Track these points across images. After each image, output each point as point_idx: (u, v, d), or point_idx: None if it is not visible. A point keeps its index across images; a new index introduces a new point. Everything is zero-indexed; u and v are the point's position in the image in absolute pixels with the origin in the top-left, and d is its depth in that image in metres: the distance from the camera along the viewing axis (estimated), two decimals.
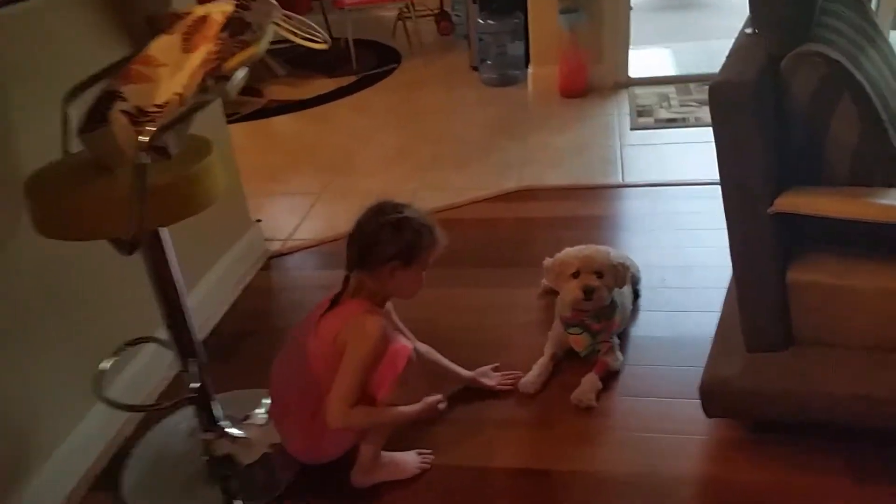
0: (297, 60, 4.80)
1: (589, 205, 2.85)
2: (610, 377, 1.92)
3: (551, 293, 2.15)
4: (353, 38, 4.82)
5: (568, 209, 2.82)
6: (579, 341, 1.95)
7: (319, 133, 3.97)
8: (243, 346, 2.25)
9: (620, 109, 3.72)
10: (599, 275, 1.89)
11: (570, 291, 1.89)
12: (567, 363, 1.99)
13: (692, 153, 3.19)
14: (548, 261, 2.04)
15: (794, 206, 1.46)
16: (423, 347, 1.83)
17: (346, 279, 1.61)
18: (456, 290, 2.39)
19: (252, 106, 4.33)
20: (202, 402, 1.77)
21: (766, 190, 1.49)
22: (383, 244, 1.54)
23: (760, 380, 1.57)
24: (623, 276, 1.94)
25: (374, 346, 1.53)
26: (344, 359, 1.55)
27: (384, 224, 1.54)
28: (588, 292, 1.86)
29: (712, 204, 2.80)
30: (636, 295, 2.21)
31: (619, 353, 1.96)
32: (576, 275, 1.90)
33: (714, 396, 1.62)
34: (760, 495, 1.55)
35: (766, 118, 1.46)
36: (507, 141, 3.51)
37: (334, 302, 1.61)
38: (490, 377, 1.92)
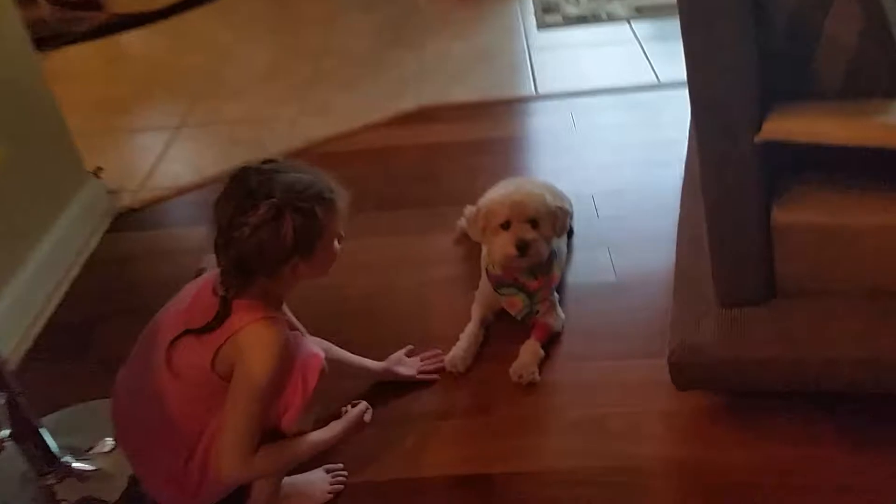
0: None
1: (501, 124, 2.47)
2: (552, 340, 1.60)
3: (470, 238, 1.77)
4: None
5: (477, 131, 2.43)
6: (514, 303, 1.60)
7: (174, 51, 3.32)
8: (93, 338, 1.77)
9: (523, 6, 3.29)
10: (534, 223, 1.53)
11: (501, 247, 1.53)
12: (499, 327, 1.65)
13: (608, 55, 2.85)
14: (469, 210, 1.66)
15: (786, 133, 1.14)
16: (324, 345, 1.40)
17: (223, 300, 1.14)
18: (355, 242, 1.97)
19: (88, 22, 3.58)
20: (27, 439, 1.32)
21: (747, 112, 1.16)
22: (268, 249, 1.10)
23: (741, 346, 1.28)
24: (563, 222, 1.59)
25: (276, 368, 1.12)
26: (234, 389, 1.13)
27: (258, 224, 1.09)
28: (522, 247, 1.51)
29: (637, 114, 2.46)
30: (569, 232, 1.88)
31: (559, 311, 1.64)
32: (505, 225, 1.53)
33: (685, 367, 1.32)
34: (745, 475, 1.29)
35: (745, 22, 1.11)
36: (400, 51, 3.02)
37: (206, 328, 1.14)
38: (406, 365, 1.55)
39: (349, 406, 1.35)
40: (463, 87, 2.69)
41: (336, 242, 1.21)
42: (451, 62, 2.88)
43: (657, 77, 2.60)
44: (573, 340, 1.61)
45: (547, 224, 1.55)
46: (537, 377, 1.50)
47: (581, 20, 3.11)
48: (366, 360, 1.51)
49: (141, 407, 1.21)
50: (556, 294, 1.65)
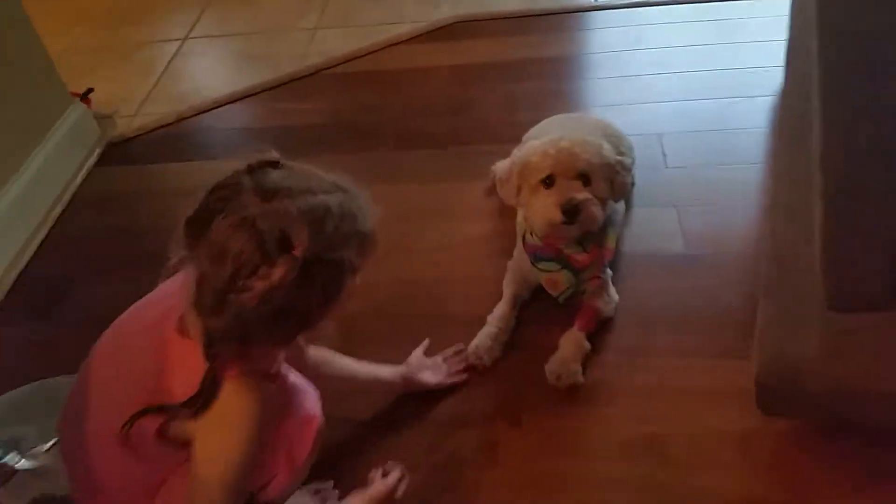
0: None
1: (550, 40, 2.07)
2: (600, 328, 1.29)
3: None
4: None
5: (521, 48, 2.04)
6: (555, 282, 1.29)
7: None
8: (69, 295, 1.54)
9: None
10: (586, 180, 1.20)
11: (542, 211, 1.20)
12: (535, 309, 1.35)
13: None
14: (499, 166, 1.33)
15: None
16: (321, 356, 1.11)
17: (210, 374, 0.81)
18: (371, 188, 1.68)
19: None
20: None
21: None
22: (283, 318, 0.78)
23: (856, 367, 0.96)
24: (623, 179, 1.25)
25: (250, 445, 0.83)
26: (196, 473, 0.85)
27: (274, 287, 0.75)
28: (570, 211, 1.18)
29: (720, 31, 1.92)
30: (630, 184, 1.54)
31: (612, 292, 1.32)
32: (548, 182, 1.20)
33: (778, 391, 1.01)
34: None
35: None
36: None
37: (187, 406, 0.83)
38: (429, 368, 1.24)
39: (378, 472, 1.08)
40: None
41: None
42: None
43: None
44: (627, 330, 1.30)
45: (602, 181, 1.21)
46: (580, 378, 1.21)
47: None
48: (380, 368, 1.20)
49: (92, 449, 0.92)
50: (608, 270, 1.33)
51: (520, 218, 1.34)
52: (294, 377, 0.93)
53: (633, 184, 1.53)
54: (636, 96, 1.80)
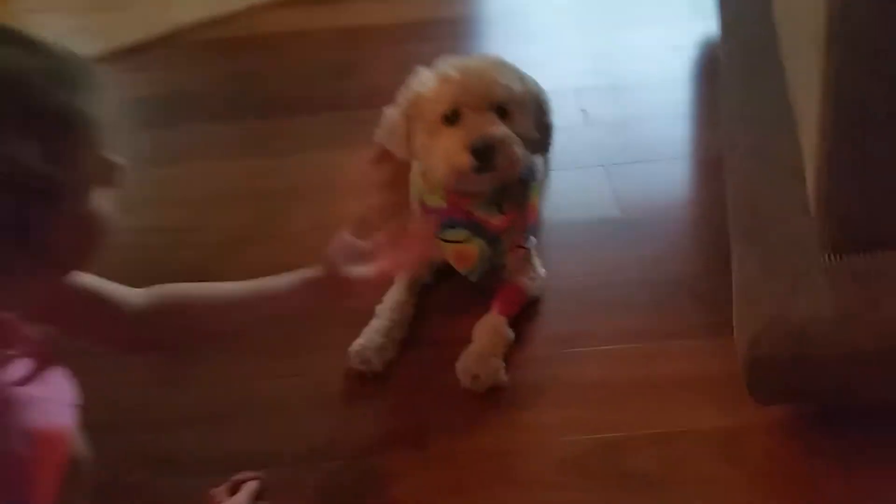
0: None
1: (444, 2, 1.79)
2: (525, 312, 0.99)
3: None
4: None
5: (414, 10, 1.74)
6: (465, 255, 0.98)
7: None
8: None
9: None
10: (503, 112, 0.91)
11: (445, 155, 0.90)
12: (441, 293, 1.03)
13: None
14: (387, 113, 1.01)
15: None
16: (162, 297, 0.75)
17: None
18: (219, 163, 1.33)
19: None
20: None
21: None
22: None
23: (875, 319, 0.70)
24: (548, 118, 0.97)
25: None
26: None
27: None
28: (483, 152, 0.88)
29: None
30: (546, 143, 1.25)
31: (538, 266, 1.02)
32: (452, 118, 0.90)
33: (778, 367, 0.73)
34: None
35: None
36: None
37: None
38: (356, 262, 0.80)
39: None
40: None
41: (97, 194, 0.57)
42: None
43: None
44: (559, 313, 1.00)
45: (524, 116, 0.92)
46: (503, 377, 0.90)
47: None
48: (277, 279, 0.79)
49: None
50: (532, 239, 1.03)
51: (415, 174, 1.02)
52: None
53: (549, 142, 1.26)
54: (546, 54, 1.53)
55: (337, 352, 0.93)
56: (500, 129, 0.89)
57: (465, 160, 0.88)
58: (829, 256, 0.75)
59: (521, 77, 0.95)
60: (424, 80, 0.93)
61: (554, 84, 1.22)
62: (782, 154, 0.88)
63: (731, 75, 1.08)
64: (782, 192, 0.84)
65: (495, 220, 0.96)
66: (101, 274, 0.70)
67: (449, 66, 0.93)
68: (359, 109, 1.40)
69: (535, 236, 1.04)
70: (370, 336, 0.93)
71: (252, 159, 1.34)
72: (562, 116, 1.28)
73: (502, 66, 0.93)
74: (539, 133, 0.97)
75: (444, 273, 1.02)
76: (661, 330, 0.96)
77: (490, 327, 0.93)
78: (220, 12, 1.77)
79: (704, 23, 1.54)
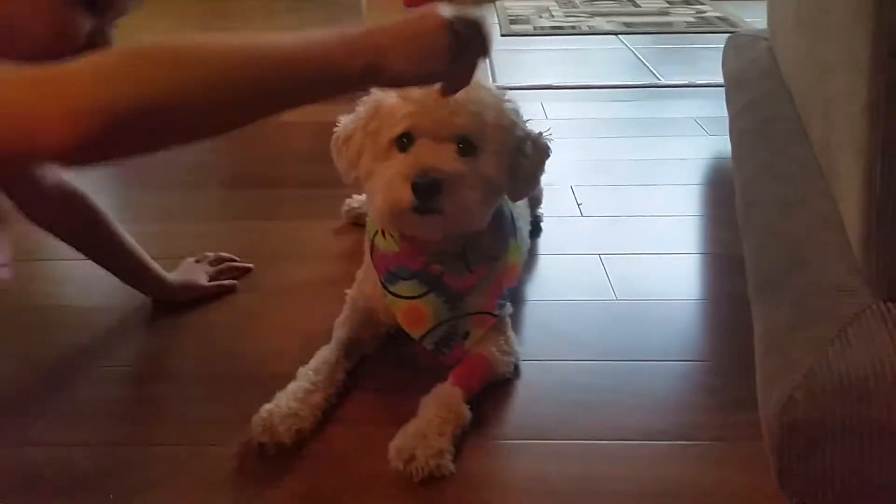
0: None
1: None
2: (489, 388, 0.78)
3: (362, 224, 0.97)
4: None
5: None
6: (417, 313, 0.79)
7: None
8: None
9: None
10: (467, 147, 0.75)
11: (384, 187, 0.74)
12: (386, 360, 0.83)
13: (590, 57, 2.18)
14: (341, 126, 0.87)
15: None
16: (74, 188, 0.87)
17: None
18: (181, 225, 1.19)
19: None
20: None
21: None
22: None
23: None
24: (532, 165, 0.82)
25: None
26: None
27: None
28: (424, 190, 0.71)
29: (631, 109, 1.73)
30: (535, 225, 1.10)
31: (512, 340, 0.82)
32: (405, 141, 0.76)
33: (818, 442, 0.51)
34: None
35: None
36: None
37: None
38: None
39: None
40: None
41: None
42: None
43: (656, 76, 1.93)
44: (535, 399, 0.79)
45: (495, 154, 0.77)
46: (448, 465, 0.67)
47: (557, 30, 2.48)
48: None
49: None
50: (507, 306, 0.84)
51: (368, 216, 0.86)
52: None
53: (539, 226, 1.11)
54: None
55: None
56: (453, 165, 0.73)
57: (405, 196, 0.72)
58: (884, 303, 0.56)
59: (501, 108, 0.80)
60: (389, 92, 0.79)
61: (548, 178, 1.10)
62: (810, 205, 0.73)
63: (744, 144, 0.95)
64: (814, 240, 0.67)
65: (457, 278, 0.78)
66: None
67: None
68: (325, 188, 1.28)
69: (512, 304, 0.85)
70: (281, 400, 0.72)
71: (205, 223, 1.21)
72: (558, 206, 1.17)
73: (480, 90, 0.78)
74: (516, 178, 0.81)
75: (392, 337, 0.83)
76: (659, 426, 0.74)
77: (441, 400, 0.72)
78: None
79: (712, 139, 1.47)
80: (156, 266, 0.94)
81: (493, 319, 0.81)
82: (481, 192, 0.76)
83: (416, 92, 0.76)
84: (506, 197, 0.83)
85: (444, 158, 0.74)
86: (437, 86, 0.64)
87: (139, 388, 0.84)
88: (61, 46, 0.55)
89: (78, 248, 0.91)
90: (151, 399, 0.81)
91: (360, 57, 0.53)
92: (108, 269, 0.93)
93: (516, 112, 0.82)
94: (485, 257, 0.81)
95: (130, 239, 0.92)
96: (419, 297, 0.79)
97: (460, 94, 0.72)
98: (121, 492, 0.67)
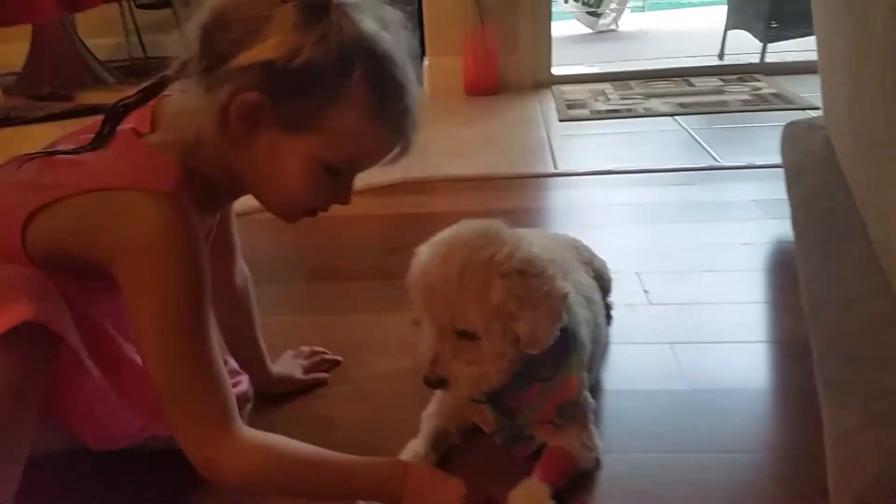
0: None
1: (506, 195, 1.83)
2: (573, 482, 0.82)
3: None
4: None
5: (473, 202, 1.79)
6: (483, 415, 0.87)
7: None
8: None
9: (544, 105, 2.77)
10: (467, 336, 0.78)
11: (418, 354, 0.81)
12: (472, 450, 0.89)
13: (649, 140, 2.26)
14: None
15: None
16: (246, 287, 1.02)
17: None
18: (273, 318, 1.28)
19: (49, 109, 3.17)
20: None
21: None
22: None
23: None
24: (551, 307, 0.78)
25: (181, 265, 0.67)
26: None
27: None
28: (433, 384, 0.80)
29: (693, 192, 1.73)
30: (606, 314, 1.16)
31: (593, 435, 0.87)
32: (418, 321, 0.83)
33: None
34: None
35: None
36: None
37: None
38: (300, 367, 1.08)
39: None
40: (462, 162, 2.09)
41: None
42: (453, 143, 2.31)
43: (714, 157, 1.99)
44: (616, 491, 0.83)
45: (495, 334, 0.77)
46: None
47: (612, 113, 2.57)
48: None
49: None
50: (589, 402, 0.89)
51: None
52: None
53: (609, 315, 1.16)
54: (607, 242, 1.48)
55: None
56: (453, 365, 0.78)
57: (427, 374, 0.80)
58: None
59: (485, 289, 0.76)
60: (415, 261, 0.83)
61: (614, 264, 1.17)
62: (870, 303, 0.77)
63: (806, 237, 1.00)
64: (880, 343, 0.71)
65: (510, 397, 0.84)
66: None
67: (433, 251, 0.80)
68: (404, 279, 1.37)
69: (593, 394, 0.91)
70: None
71: (288, 317, 1.30)
72: (624, 293, 1.23)
73: (467, 279, 0.76)
74: (528, 333, 0.77)
75: (477, 431, 0.89)
76: None
77: (529, 494, 0.77)
78: None
79: (772, 222, 1.51)
80: (268, 359, 1.03)
81: (551, 428, 0.85)
82: (491, 364, 0.78)
83: (420, 275, 0.81)
84: (570, 301, 0.83)
85: (448, 346, 0.78)
86: (428, 278, 0.80)
87: None
88: (310, 204, 0.74)
89: (221, 329, 0.97)
90: None
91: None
92: (233, 354, 0.99)
93: (503, 288, 0.77)
94: (539, 378, 0.84)
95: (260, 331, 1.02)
96: (483, 402, 0.85)
97: (454, 286, 0.76)
98: None
